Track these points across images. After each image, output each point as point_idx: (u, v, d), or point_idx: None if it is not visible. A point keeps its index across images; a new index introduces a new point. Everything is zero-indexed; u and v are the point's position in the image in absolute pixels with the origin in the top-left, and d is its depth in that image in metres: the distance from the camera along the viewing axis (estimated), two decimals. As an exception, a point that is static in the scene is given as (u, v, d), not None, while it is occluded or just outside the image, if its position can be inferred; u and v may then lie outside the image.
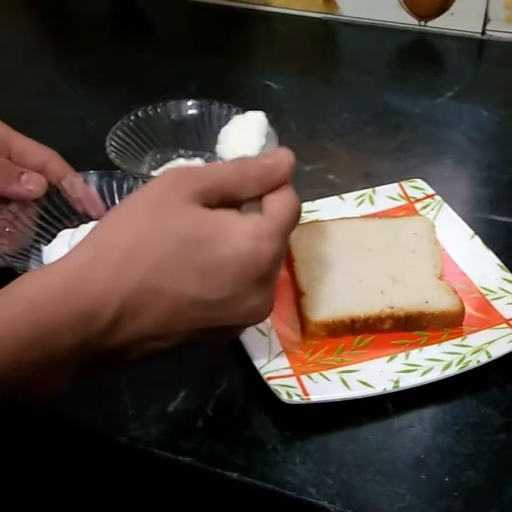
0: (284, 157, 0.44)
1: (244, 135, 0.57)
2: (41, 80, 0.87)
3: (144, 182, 0.57)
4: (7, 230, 0.54)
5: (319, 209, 0.62)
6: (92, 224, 0.55)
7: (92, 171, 0.58)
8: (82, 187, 0.57)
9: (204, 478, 0.46)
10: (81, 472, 0.51)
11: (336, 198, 0.63)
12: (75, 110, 0.79)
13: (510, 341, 0.49)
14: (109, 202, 0.58)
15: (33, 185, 0.54)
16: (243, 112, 0.65)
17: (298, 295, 0.54)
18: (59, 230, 0.56)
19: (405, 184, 0.64)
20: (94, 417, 0.49)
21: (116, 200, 0.58)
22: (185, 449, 0.46)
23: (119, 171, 0.59)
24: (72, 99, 0.82)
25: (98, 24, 1.01)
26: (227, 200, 0.42)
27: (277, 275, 0.43)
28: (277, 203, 0.42)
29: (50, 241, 0.56)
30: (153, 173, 0.65)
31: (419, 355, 0.50)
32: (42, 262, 0.54)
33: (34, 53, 0.93)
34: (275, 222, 0.41)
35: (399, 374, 0.48)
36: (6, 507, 0.54)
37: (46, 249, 0.55)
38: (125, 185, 0.58)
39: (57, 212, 0.57)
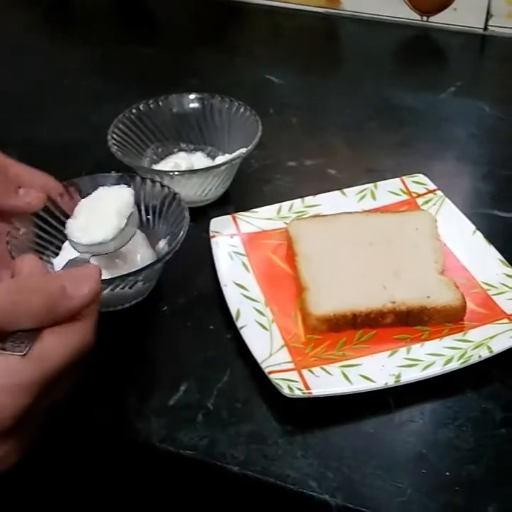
0: (84, 285, 0.38)
1: (101, 214, 0.51)
2: (43, 73, 0.87)
3: (142, 179, 0.57)
4: (15, 243, 0.52)
5: (321, 203, 0.62)
6: None
7: (87, 176, 0.57)
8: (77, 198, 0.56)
9: (205, 472, 0.46)
10: (82, 466, 0.51)
11: (337, 192, 0.63)
12: (77, 103, 0.80)
13: (511, 336, 0.49)
14: None
15: (30, 198, 0.52)
16: (245, 106, 0.65)
17: (300, 289, 0.54)
18: (62, 242, 0.55)
19: (407, 179, 0.64)
20: (95, 411, 0.49)
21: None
22: (186, 442, 0.46)
23: (113, 171, 0.58)
24: (73, 92, 0.83)
25: (100, 18, 1.01)
26: None
27: (26, 427, 0.36)
28: (47, 346, 0.36)
29: (55, 253, 0.55)
30: (155, 166, 0.65)
31: (420, 350, 0.50)
32: None
33: (36, 47, 0.93)
34: (30, 372, 0.34)
35: (400, 368, 0.48)
36: (9, 503, 0.54)
37: (56, 261, 0.55)
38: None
39: (58, 223, 0.56)
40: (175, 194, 0.56)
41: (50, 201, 0.55)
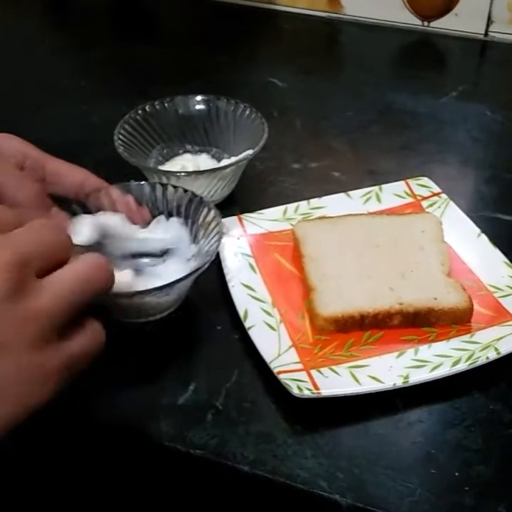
0: None
1: None
2: (45, 74, 0.87)
3: (163, 185, 0.56)
4: None
5: (326, 205, 0.62)
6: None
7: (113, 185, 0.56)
8: (119, 196, 0.55)
9: (214, 471, 0.46)
10: (91, 466, 0.51)
11: (342, 195, 0.63)
12: (79, 105, 0.79)
13: (518, 338, 0.50)
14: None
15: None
16: (251, 109, 0.66)
17: (307, 290, 0.54)
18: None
19: (411, 182, 0.64)
20: (104, 410, 0.49)
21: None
22: (196, 442, 0.46)
23: (135, 181, 0.57)
24: (76, 93, 0.83)
25: (103, 19, 1.01)
26: None
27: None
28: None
29: None
30: (160, 167, 0.65)
31: (428, 351, 0.50)
32: None
33: (38, 48, 0.93)
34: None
35: (408, 369, 0.49)
36: (14, 501, 0.53)
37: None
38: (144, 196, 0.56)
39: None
40: (201, 198, 0.54)
41: (87, 198, 0.54)
